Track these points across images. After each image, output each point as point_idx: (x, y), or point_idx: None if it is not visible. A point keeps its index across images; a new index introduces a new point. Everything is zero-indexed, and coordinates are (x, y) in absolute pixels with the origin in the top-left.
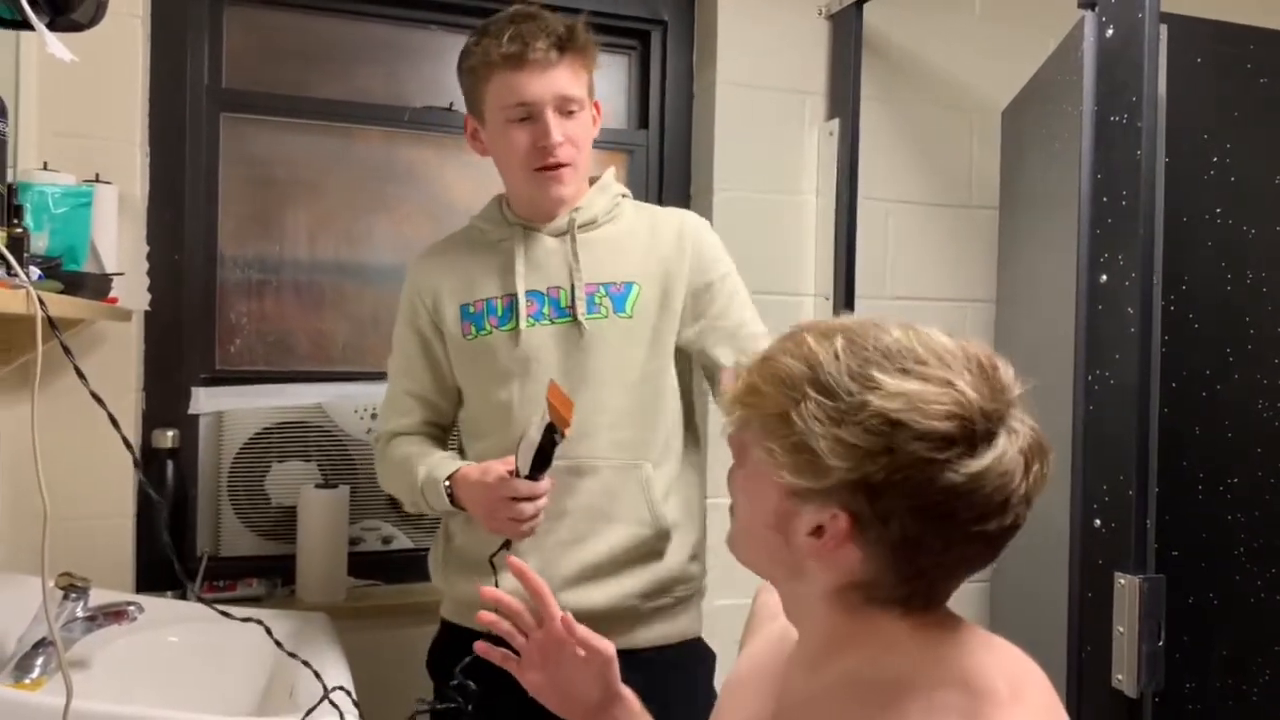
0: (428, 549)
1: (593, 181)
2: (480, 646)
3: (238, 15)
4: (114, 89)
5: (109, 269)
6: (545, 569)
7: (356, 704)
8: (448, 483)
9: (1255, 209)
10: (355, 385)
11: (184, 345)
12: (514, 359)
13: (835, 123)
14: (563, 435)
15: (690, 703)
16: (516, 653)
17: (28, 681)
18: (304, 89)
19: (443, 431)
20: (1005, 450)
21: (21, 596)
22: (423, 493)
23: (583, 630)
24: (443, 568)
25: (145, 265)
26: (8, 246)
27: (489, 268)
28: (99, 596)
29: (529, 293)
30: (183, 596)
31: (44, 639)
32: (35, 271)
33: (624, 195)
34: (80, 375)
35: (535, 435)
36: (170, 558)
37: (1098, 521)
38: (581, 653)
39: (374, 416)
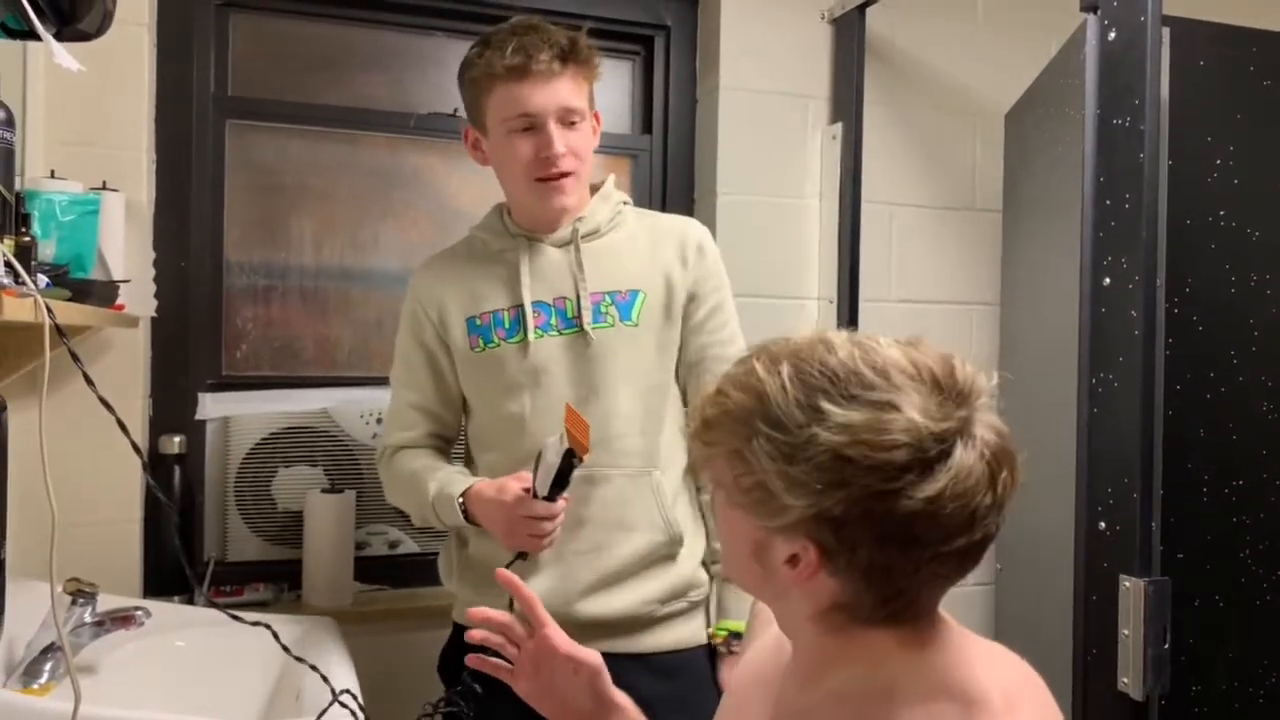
0: (435, 554)
1: (593, 190)
2: (472, 659)
3: (243, 23)
4: (120, 97)
5: (116, 276)
6: (565, 579)
7: (363, 708)
8: (461, 499)
9: (1258, 211)
10: (361, 390)
11: (190, 351)
12: (523, 370)
13: (838, 126)
14: (581, 460)
15: (705, 706)
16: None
17: (36, 687)
18: (309, 96)
19: (447, 444)
20: (961, 465)
21: (30, 602)
22: (434, 508)
23: (567, 644)
24: (456, 573)
25: (152, 272)
26: (15, 255)
27: (493, 279)
28: (106, 602)
29: (535, 303)
30: (189, 601)
31: (52, 644)
32: (43, 279)
33: (625, 203)
34: (89, 381)
35: (554, 459)
36: (179, 562)
37: (1102, 524)
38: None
39: (379, 421)
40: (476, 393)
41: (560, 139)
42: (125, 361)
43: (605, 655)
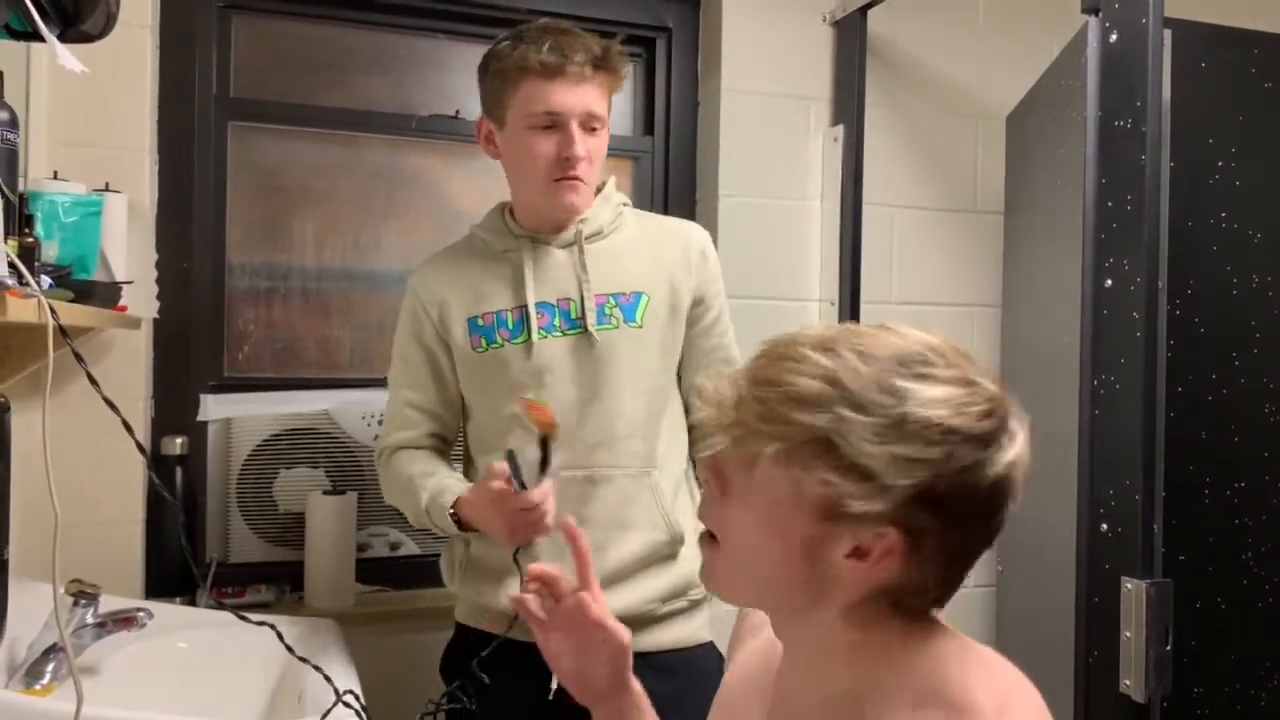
0: (436, 555)
1: (595, 192)
2: (514, 598)
3: (245, 25)
4: (123, 99)
5: (118, 277)
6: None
7: (365, 709)
8: (453, 510)
9: (1259, 213)
10: (362, 392)
11: (192, 352)
12: (527, 371)
13: (840, 129)
14: (555, 437)
15: (705, 705)
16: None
17: (38, 688)
18: (311, 98)
19: (446, 444)
20: (1017, 429)
21: (32, 603)
22: (428, 515)
23: (603, 611)
24: (458, 573)
25: (154, 273)
26: (19, 256)
27: (496, 279)
28: (109, 602)
29: (539, 304)
30: (192, 602)
31: (54, 645)
32: (46, 280)
33: (625, 204)
34: (94, 382)
35: (534, 453)
36: (185, 561)
37: (1104, 526)
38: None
39: (380, 423)
40: (477, 393)
41: (581, 142)
42: (127, 363)
43: None
